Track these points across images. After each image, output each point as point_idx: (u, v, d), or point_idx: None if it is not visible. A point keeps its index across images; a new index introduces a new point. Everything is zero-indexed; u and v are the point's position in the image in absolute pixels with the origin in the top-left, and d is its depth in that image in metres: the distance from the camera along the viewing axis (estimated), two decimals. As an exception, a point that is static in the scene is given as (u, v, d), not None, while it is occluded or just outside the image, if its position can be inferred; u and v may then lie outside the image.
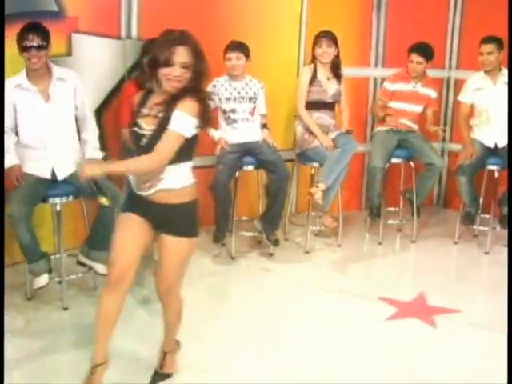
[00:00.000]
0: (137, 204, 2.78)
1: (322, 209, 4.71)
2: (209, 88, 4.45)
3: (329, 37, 4.75)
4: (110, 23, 4.62)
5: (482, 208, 5.11)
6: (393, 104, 5.10)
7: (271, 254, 4.75)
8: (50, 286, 3.90)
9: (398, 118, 5.04)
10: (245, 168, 4.63)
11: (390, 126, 5.03)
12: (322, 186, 4.51)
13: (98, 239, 3.90)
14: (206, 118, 2.69)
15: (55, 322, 3.74)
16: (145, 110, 2.69)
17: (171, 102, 2.61)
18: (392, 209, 5.49)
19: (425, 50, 4.98)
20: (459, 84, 5.43)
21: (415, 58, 4.95)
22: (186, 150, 2.67)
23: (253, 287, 4.29)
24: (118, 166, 2.76)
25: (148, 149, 2.62)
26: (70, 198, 3.87)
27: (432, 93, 5.13)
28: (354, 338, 3.61)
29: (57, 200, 3.83)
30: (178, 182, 2.71)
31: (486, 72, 4.90)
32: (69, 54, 4.40)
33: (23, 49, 3.70)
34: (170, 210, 2.73)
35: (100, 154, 4.06)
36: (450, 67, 5.83)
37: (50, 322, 3.74)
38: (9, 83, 3.78)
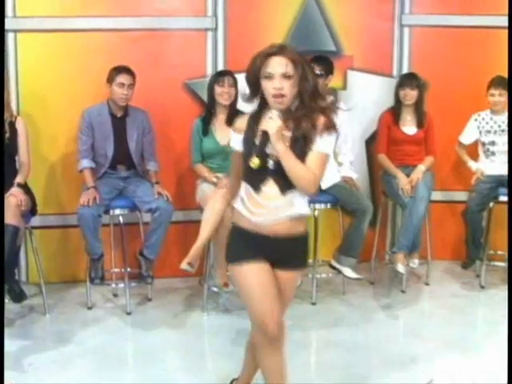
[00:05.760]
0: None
1: None
2: (471, 121, 4.73)
3: None
4: (383, 62, 5.09)
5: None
6: None
7: (523, 289, 4.67)
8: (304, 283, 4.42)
9: None
10: (500, 198, 4.67)
11: None
12: None
13: (349, 246, 4.35)
14: None
15: (302, 312, 4.24)
16: None
17: None
18: None
19: None
20: None
21: None
22: None
23: (494, 313, 4.35)
24: None
25: None
26: (328, 205, 4.42)
27: None
28: None
29: (317, 206, 4.35)
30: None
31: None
32: (344, 87, 4.99)
33: None
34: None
35: (354, 175, 4.54)
36: None
37: (298, 311, 4.22)
38: None
